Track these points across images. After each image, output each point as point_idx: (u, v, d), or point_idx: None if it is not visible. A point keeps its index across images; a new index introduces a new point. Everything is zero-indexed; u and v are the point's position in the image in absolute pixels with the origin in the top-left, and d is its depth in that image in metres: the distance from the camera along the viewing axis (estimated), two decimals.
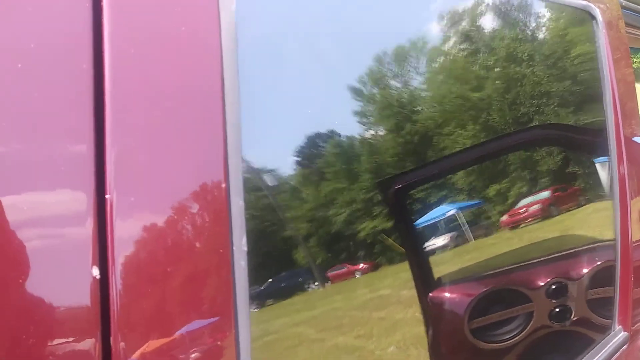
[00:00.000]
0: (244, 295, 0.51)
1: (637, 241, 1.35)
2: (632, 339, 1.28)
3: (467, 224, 1.08)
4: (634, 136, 1.46)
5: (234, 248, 0.50)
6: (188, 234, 0.48)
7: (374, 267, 0.89)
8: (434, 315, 1.00)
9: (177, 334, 0.46)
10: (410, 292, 0.95)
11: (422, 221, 1.02)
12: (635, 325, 1.32)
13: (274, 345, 0.69)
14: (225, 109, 0.52)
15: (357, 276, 0.85)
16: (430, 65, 1.09)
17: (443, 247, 1.05)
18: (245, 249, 0.51)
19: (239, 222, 0.51)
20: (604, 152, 1.33)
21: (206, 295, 0.49)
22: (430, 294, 0.99)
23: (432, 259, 1.03)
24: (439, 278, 1.02)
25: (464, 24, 1.20)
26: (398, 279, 0.94)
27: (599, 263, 1.24)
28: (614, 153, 1.31)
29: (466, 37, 1.17)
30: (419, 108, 1.04)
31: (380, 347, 0.86)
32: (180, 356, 0.46)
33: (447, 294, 1.03)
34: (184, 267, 0.47)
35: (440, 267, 1.04)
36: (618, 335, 1.24)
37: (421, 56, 1.05)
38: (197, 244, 0.48)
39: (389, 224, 0.92)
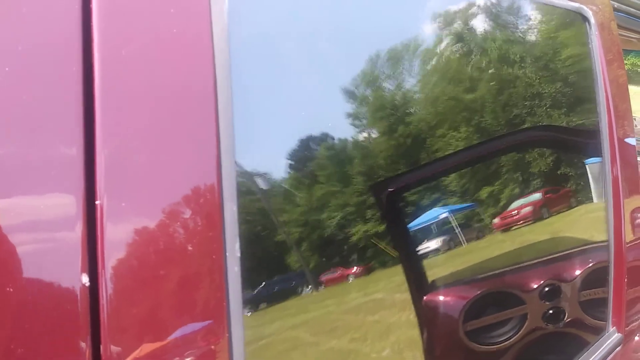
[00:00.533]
0: (237, 301, 0.50)
1: (630, 242, 1.35)
2: (626, 340, 1.29)
3: (460, 226, 1.08)
4: (627, 137, 1.47)
5: (227, 253, 0.49)
6: (180, 240, 0.47)
7: (368, 271, 0.88)
8: (429, 319, 1.00)
9: (169, 341, 0.45)
10: (404, 295, 0.95)
11: (415, 224, 1.01)
12: (629, 327, 1.32)
13: (267, 350, 0.68)
14: (218, 111, 0.51)
15: (351, 280, 0.85)
16: (426, 67, 1.09)
17: (436, 250, 1.05)
18: (239, 254, 0.50)
19: (232, 227, 0.50)
20: (598, 153, 1.33)
21: (199, 301, 0.48)
22: (425, 297, 0.99)
23: (426, 262, 1.03)
24: (433, 281, 1.02)
25: (459, 26, 1.20)
26: (392, 282, 0.93)
27: (591, 265, 1.24)
28: (607, 154, 1.32)
29: (460, 39, 1.17)
30: (411, 110, 1.04)
31: (374, 350, 0.85)
32: None
33: (441, 297, 1.03)
34: (176, 273, 0.47)
35: (434, 270, 1.04)
36: (612, 336, 1.24)
37: (414, 58, 1.05)
38: (190, 250, 0.48)
39: (383, 227, 0.92)
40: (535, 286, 1.14)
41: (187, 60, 0.52)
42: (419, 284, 0.98)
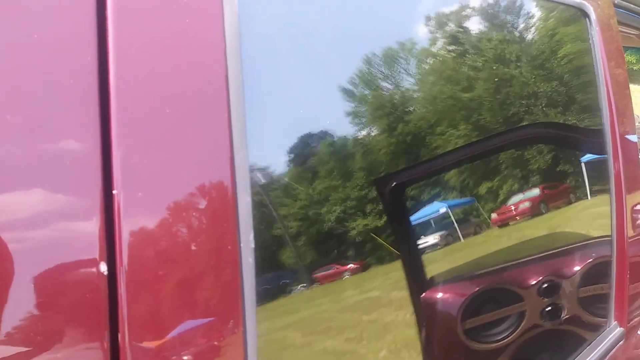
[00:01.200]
0: (251, 292, 0.50)
1: (631, 237, 1.36)
2: (628, 334, 1.29)
3: (459, 221, 1.08)
4: (627, 134, 1.47)
5: (242, 245, 0.50)
6: (196, 231, 0.48)
7: (366, 267, 0.88)
8: (427, 316, 1.00)
9: (186, 330, 0.46)
10: (402, 292, 0.95)
11: (414, 219, 1.02)
12: (631, 322, 1.33)
13: (279, 342, 0.68)
14: (230, 105, 0.52)
15: (347, 276, 0.85)
16: (430, 66, 1.09)
17: (436, 246, 1.05)
18: (253, 245, 0.51)
19: (246, 218, 0.50)
20: (600, 149, 1.33)
21: (215, 292, 0.48)
22: (423, 294, 0.99)
23: (425, 258, 1.03)
24: (432, 277, 1.02)
25: (460, 24, 1.20)
26: (390, 278, 0.93)
27: (590, 261, 1.25)
28: (610, 150, 1.32)
29: (460, 37, 1.18)
30: (411, 108, 1.04)
31: (372, 350, 0.85)
32: (189, 353, 0.46)
33: (440, 294, 1.03)
34: (192, 263, 0.47)
35: (433, 266, 1.04)
36: (614, 331, 1.25)
37: (422, 57, 1.05)
38: (205, 241, 0.48)
39: (382, 222, 0.92)
40: (533, 283, 1.14)
41: (200, 52, 0.52)
42: (418, 280, 0.98)
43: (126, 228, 0.43)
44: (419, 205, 1.04)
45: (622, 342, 1.24)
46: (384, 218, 0.93)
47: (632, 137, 1.50)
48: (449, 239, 1.07)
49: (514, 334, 1.09)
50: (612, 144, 1.33)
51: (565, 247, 1.28)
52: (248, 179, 0.51)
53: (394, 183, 0.97)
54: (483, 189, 1.16)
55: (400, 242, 0.98)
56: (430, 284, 1.01)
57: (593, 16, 1.37)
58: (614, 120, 1.35)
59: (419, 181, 1.07)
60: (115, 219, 0.42)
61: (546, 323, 1.14)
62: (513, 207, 1.21)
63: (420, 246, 1.02)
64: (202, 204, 0.48)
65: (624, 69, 1.54)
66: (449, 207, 1.08)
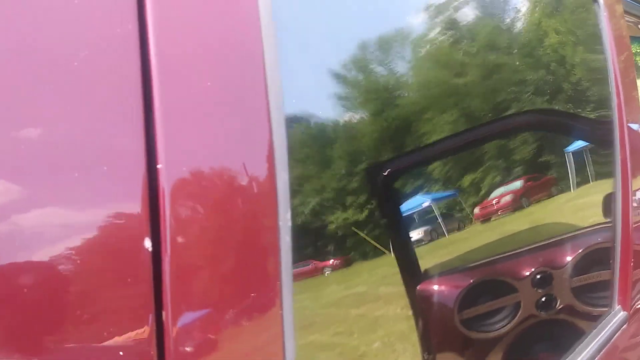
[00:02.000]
0: (288, 271, 0.50)
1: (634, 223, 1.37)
2: (631, 318, 1.31)
3: (444, 215, 1.06)
4: (632, 122, 1.48)
5: (280, 223, 0.49)
6: (238, 208, 0.47)
7: (354, 261, 0.87)
8: (423, 308, 0.99)
9: (230, 308, 0.45)
10: (394, 286, 0.94)
11: (403, 212, 1.00)
12: (634, 306, 1.35)
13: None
14: (268, 85, 0.51)
15: (328, 272, 0.83)
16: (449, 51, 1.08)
17: (426, 239, 1.04)
18: (290, 224, 0.50)
19: (284, 196, 0.50)
20: (607, 136, 1.34)
21: (257, 270, 0.48)
22: (419, 287, 0.98)
23: (418, 251, 1.02)
24: (427, 270, 1.02)
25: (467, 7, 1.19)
26: (379, 273, 0.93)
27: (582, 251, 1.24)
28: (617, 137, 1.33)
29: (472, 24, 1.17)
30: (399, 93, 1.02)
31: (364, 343, 0.85)
32: (233, 329, 0.45)
33: (436, 286, 1.02)
34: (236, 240, 0.46)
35: (426, 259, 1.03)
36: (618, 314, 1.26)
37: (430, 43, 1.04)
38: (247, 218, 0.47)
39: (373, 216, 0.90)
40: (526, 274, 1.14)
41: (238, 29, 0.51)
42: (413, 273, 0.97)
43: (170, 203, 0.42)
44: (403, 198, 1.02)
45: (625, 325, 1.26)
46: (377, 210, 0.91)
47: (634, 126, 1.51)
48: (436, 234, 1.06)
49: (508, 325, 1.09)
50: (620, 129, 1.34)
51: (557, 239, 1.28)
52: (286, 155, 0.50)
53: (388, 172, 0.95)
54: (466, 181, 1.14)
55: (396, 235, 0.97)
56: (427, 276, 1.01)
57: (601, 0, 1.36)
58: (622, 105, 1.35)
59: (416, 168, 1.05)
60: (160, 194, 0.42)
61: (540, 313, 1.14)
62: (496, 201, 1.19)
63: (414, 239, 1.01)
64: (245, 180, 0.47)
65: (631, 54, 1.54)
66: (433, 200, 1.06)
